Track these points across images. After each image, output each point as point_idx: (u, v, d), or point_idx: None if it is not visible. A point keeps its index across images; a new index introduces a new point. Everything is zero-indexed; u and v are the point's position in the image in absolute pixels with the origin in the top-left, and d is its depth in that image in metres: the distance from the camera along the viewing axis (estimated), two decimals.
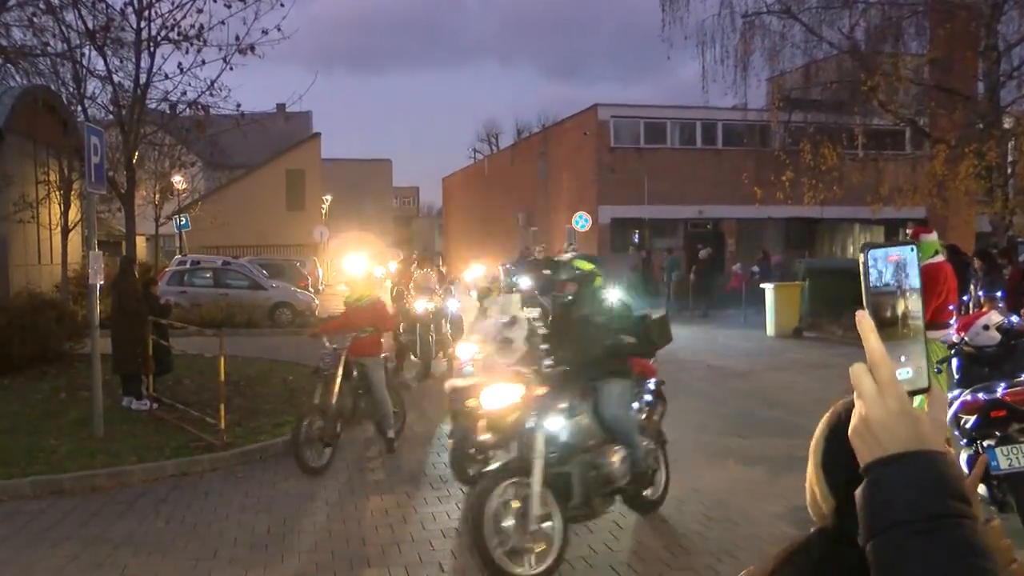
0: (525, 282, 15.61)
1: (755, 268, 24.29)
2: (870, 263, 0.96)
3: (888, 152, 21.70)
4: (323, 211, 49.60)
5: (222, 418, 8.61)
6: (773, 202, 20.39)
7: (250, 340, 17.77)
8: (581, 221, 28.52)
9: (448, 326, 14.40)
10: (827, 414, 1.17)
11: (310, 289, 26.90)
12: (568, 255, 8.33)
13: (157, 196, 26.73)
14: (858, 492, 0.92)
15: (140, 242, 29.66)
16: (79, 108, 14.77)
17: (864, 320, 0.94)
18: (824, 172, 17.71)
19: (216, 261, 24.62)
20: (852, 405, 0.98)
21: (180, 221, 29.15)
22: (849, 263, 24.39)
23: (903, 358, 0.94)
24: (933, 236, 7.74)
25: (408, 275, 16.06)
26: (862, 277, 0.95)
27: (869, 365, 0.94)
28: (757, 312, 20.05)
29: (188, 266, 23.36)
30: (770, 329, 18.55)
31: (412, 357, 13.61)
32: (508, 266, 19.64)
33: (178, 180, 27.20)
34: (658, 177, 30.23)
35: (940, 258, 7.51)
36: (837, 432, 1.07)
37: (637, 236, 30.32)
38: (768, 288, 18.89)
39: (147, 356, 10.28)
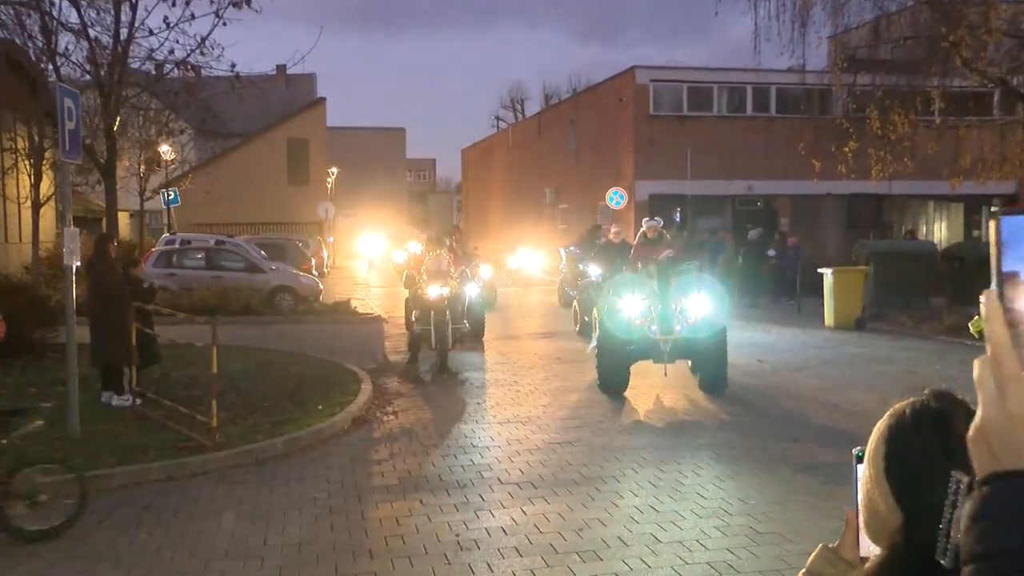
0: (594, 270, 15.85)
1: (771, 251, 24.08)
2: (1004, 233, 0.88)
3: (971, 118, 21.23)
4: (329, 185, 49.76)
5: (214, 415, 8.62)
6: (833, 176, 20.13)
7: (247, 329, 17.83)
8: (616, 198, 28.33)
9: (466, 319, 14.33)
10: (885, 416, 1.16)
11: (314, 272, 26.95)
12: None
13: (142, 167, 26.91)
14: (967, 507, 0.89)
15: (122, 219, 29.98)
16: (50, 66, 14.70)
17: (991, 303, 0.89)
18: (894, 142, 17.42)
19: (208, 240, 24.74)
20: (918, 406, 0.94)
21: (168, 196, 29.35)
22: (921, 245, 24.09)
23: None
24: None
25: (420, 258, 16.03)
26: (992, 250, 0.89)
27: (992, 359, 0.89)
28: (814, 301, 19.83)
29: (177, 246, 23.48)
30: (828, 319, 18.33)
31: (429, 349, 13.59)
32: (574, 250, 19.43)
33: (166, 150, 27.38)
34: (703, 149, 29.99)
35: None
36: (901, 436, 1.04)
37: (678, 215, 30.12)
38: (827, 273, 18.64)
39: (129, 346, 10.32)
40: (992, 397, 0.88)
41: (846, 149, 17.62)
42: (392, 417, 10.36)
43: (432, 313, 13.27)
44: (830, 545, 1.36)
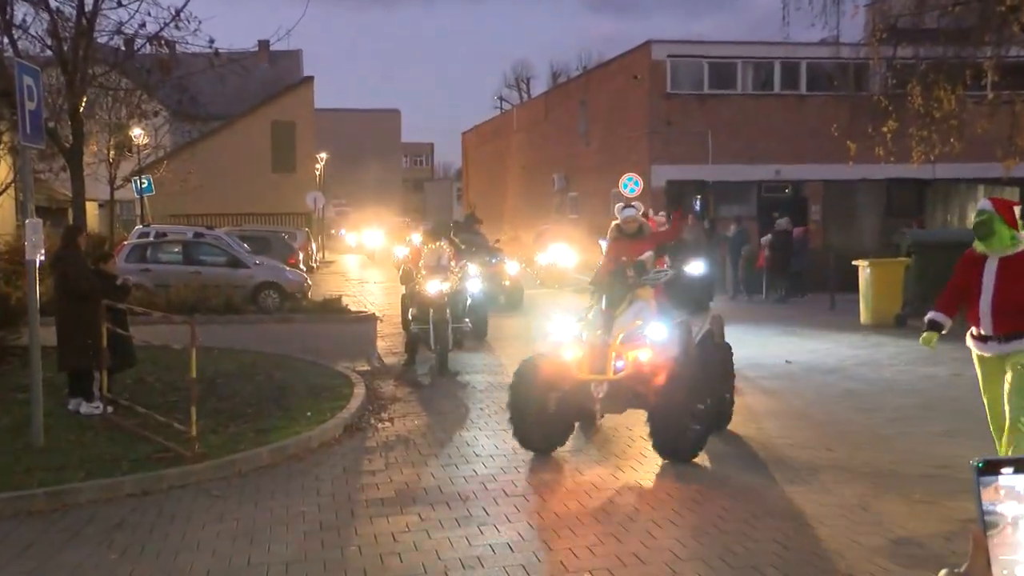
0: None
1: (767, 238, 24.23)
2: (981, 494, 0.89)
3: None
4: (317, 172, 49.81)
5: (193, 423, 8.61)
6: (870, 159, 20.04)
7: (228, 328, 17.78)
8: (630, 184, 28.27)
9: (467, 317, 14.28)
10: None
11: (301, 267, 26.97)
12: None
13: (112, 153, 26.90)
14: None
15: (91, 209, 29.98)
16: (5, 40, 14.63)
17: (978, 539, 1.06)
18: (939, 120, 17.32)
19: (186, 233, 24.73)
20: None
21: (141, 184, 29.38)
22: (969, 235, 24.01)
23: None
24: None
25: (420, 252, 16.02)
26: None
27: None
28: (849, 297, 19.78)
29: (151, 239, 23.49)
30: (865, 316, 18.28)
31: (428, 350, 13.58)
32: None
33: (138, 134, 27.37)
34: (725, 130, 29.94)
35: None
36: None
37: (699, 202, 30.08)
38: (862, 266, 18.59)
39: (100, 348, 10.31)
40: None
41: (885, 129, 17.53)
42: (388, 424, 10.34)
43: (431, 311, 13.26)
44: (956, 570, 1.30)
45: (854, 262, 18.97)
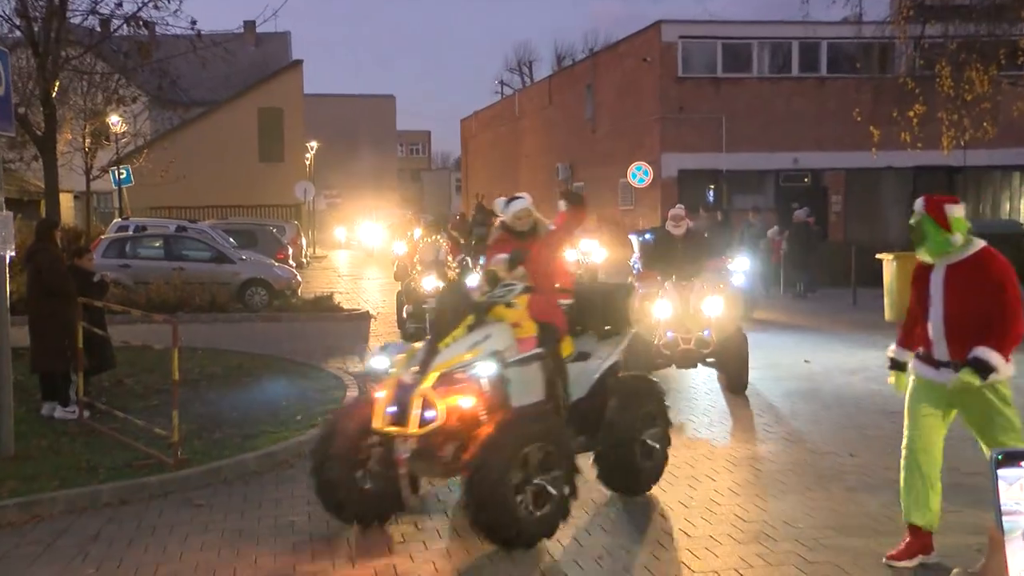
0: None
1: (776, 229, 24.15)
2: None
3: None
4: (307, 162, 49.81)
5: (176, 428, 8.60)
6: (895, 146, 20.02)
7: (213, 328, 17.82)
8: (639, 174, 28.27)
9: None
10: None
11: (291, 262, 26.96)
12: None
13: (87, 141, 26.90)
14: None
15: (65, 201, 29.91)
16: None
17: (995, 538, 1.05)
18: (970, 103, 17.28)
19: (168, 226, 24.75)
20: None
21: (119, 174, 29.38)
22: (1004, 225, 23.94)
23: None
24: (960, 210, 5.99)
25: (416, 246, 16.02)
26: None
27: None
28: (871, 292, 19.76)
29: (131, 232, 23.52)
30: (889, 313, 18.24)
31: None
32: (647, 238, 18.65)
33: (115, 121, 27.33)
34: (741, 116, 29.93)
35: (981, 244, 6.00)
36: None
37: (712, 193, 30.07)
38: (886, 259, 18.55)
39: (76, 349, 10.31)
40: None
41: (911, 113, 17.49)
42: None
43: (425, 308, 13.27)
44: (971, 570, 1.28)
45: (878, 255, 18.93)
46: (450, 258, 14.39)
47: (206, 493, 8.08)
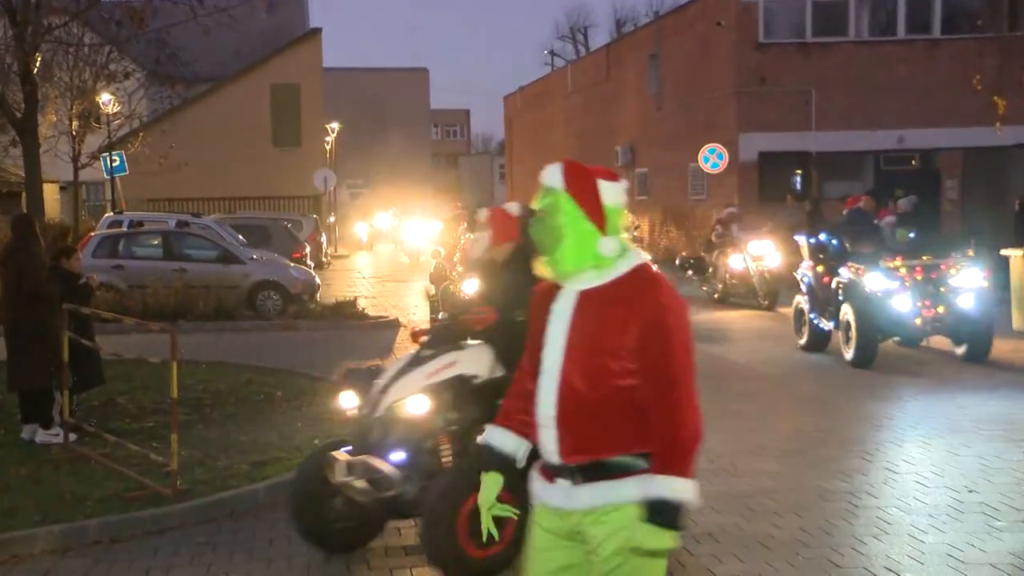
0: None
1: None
2: None
3: None
4: (328, 146, 50.16)
5: (174, 455, 8.59)
6: None
7: (219, 338, 17.87)
8: (712, 158, 28.07)
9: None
10: None
11: (309, 262, 27.08)
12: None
13: (75, 124, 27.17)
14: None
15: (50, 192, 30.33)
16: None
17: None
18: None
19: (168, 221, 24.95)
20: None
21: (112, 162, 29.73)
22: None
23: None
24: (622, 193, 3.87)
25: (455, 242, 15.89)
26: None
27: None
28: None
29: (125, 228, 23.70)
30: (1018, 321, 17.86)
31: None
32: (817, 242, 18.04)
33: (107, 100, 27.64)
34: (833, 88, 29.65)
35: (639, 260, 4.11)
36: None
37: (799, 179, 29.80)
38: (1014, 257, 18.17)
39: (60, 363, 10.35)
40: None
41: None
42: None
43: None
44: None
45: (1003, 252, 18.56)
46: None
47: (209, 530, 8.06)
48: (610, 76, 42.31)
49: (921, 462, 9.59)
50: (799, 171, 30.04)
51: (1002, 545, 7.28)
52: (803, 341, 16.25)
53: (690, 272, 23.53)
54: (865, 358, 14.25)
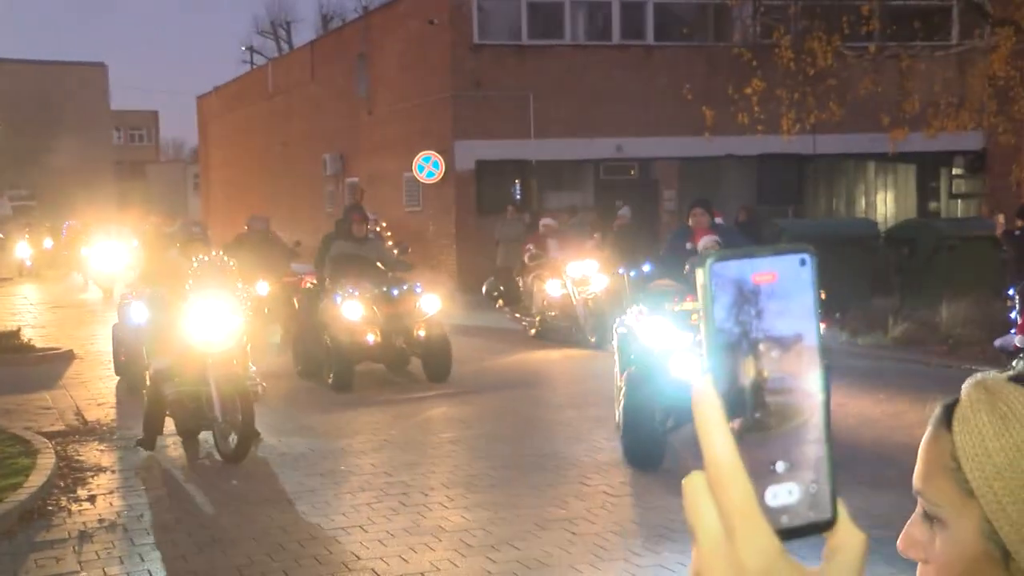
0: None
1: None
2: (713, 286, 0.88)
3: (917, 44, 21.90)
4: None
5: None
6: (734, 130, 20.84)
7: None
8: (428, 167, 28.26)
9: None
10: None
11: None
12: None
13: None
14: None
15: None
16: None
17: (705, 394, 0.86)
18: (814, 79, 18.19)
19: None
20: None
21: None
22: (858, 225, 25.24)
23: (780, 464, 0.87)
24: None
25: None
26: (703, 311, 0.88)
27: (711, 480, 0.86)
28: None
29: None
30: None
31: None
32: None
33: None
34: (551, 93, 30.28)
35: None
36: None
37: (518, 189, 30.30)
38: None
39: None
40: (714, 540, 0.86)
41: (748, 90, 18.29)
42: (86, 505, 10.02)
43: (209, 365, 11.59)
44: None
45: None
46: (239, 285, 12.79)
47: None
48: (315, 77, 42.08)
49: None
50: (518, 181, 30.39)
51: None
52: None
53: (500, 302, 22.20)
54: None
